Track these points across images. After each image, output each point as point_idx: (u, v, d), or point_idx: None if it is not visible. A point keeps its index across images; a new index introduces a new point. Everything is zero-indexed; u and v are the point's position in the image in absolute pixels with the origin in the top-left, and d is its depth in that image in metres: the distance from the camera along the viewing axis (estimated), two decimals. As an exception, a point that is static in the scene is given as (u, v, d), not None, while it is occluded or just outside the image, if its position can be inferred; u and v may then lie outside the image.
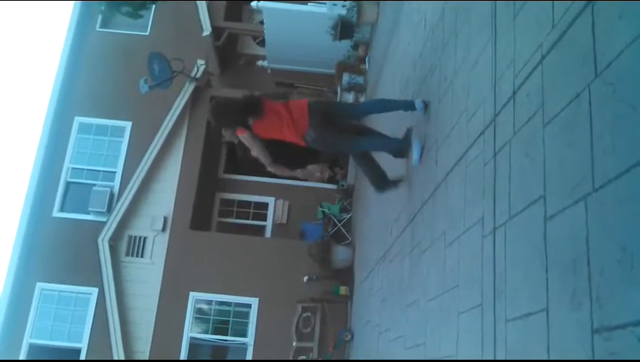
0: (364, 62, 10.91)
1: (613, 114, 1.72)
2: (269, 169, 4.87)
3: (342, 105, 5.21)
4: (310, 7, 10.91)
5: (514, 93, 2.59)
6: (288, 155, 4.83)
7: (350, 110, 5.09)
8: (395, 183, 5.15)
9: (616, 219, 1.65)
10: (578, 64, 1.97)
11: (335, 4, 10.49)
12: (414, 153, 4.28)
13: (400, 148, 4.72)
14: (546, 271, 2.06)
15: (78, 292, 11.00)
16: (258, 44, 12.96)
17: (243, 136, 4.58)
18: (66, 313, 10.99)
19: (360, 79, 10.86)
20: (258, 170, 11.58)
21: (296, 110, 4.51)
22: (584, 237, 1.81)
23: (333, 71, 11.40)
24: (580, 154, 1.88)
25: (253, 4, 10.83)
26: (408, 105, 4.47)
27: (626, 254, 1.57)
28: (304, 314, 10.10)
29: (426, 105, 4.29)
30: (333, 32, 10.40)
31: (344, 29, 10.33)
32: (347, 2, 10.34)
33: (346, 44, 10.84)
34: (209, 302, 10.84)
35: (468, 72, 3.43)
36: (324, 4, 10.60)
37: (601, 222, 1.74)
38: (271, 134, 4.61)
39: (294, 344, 10.01)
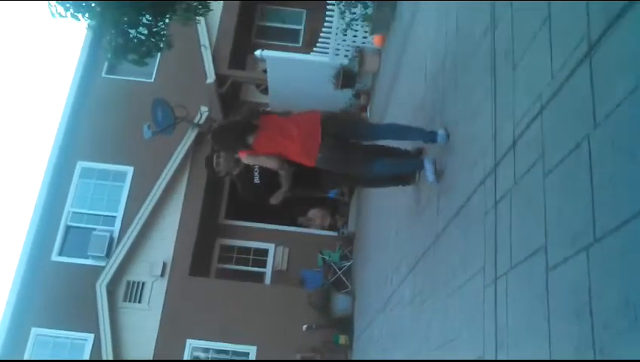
0: (366, 111, 11.02)
1: (613, 164, 1.73)
2: (281, 172, 4.50)
3: (358, 126, 4.84)
4: (313, 56, 11.09)
5: (514, 142, 2.60)
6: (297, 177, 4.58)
7: (366, 132, 4.69)
8: (412, 175, 4.83)
9: (618, 270, 1.64)
10: (577, 114, 1.99)
11: (337, 54, 10.67)
12: (428, 172, 4.08)
13: (413, 169, 4.55)
14: (548, 323, 2.03)
15: (73, 338, 10.83)
16: (261, 92, 13.11)
17: (247, 157, 4.35)
18: (61, 358, 10.78)
19: (361, 127, 10.92)
20: (260, 209, 11.62)
21: (305, 126, 4.18)
22: (586, 288, 1.79)
23: (335, 119, 11.48)
24: (581, 205, 1.88)
25: (257, 53, 11.02)
26: (429, 137, 4.14)
27: (629, 307, 1.55)
28: (302, 365, 9.90)
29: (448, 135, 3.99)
30: (335, 80, 10.54)
31: (346, 78, 10.48)
32: (349, 52, 10.53)
33: (347, 92, 10.98)
34: (206, 350, 10.66)
35: (468, 122, 3.46)
36: (327, 53, 10.78)
37: (603, 273, 1.72)
38: (273, 150, 4.29)
39: (293, 394, 9.79)
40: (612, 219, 1.69)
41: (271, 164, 4.37)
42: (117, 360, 10.17)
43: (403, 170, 4.69)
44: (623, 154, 1.68)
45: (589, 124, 1.89)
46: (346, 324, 9.78)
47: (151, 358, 10.38)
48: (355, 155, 4.38)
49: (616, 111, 1.75)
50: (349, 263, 11.17)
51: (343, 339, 9.78)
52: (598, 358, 1.68)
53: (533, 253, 2.23)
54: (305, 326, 10.11)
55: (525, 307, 2.26)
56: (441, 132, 3.98)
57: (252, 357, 10.41)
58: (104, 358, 10.18)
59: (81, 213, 11.73)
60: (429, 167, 4.07)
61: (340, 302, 9.89)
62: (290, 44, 13.62)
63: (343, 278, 11.02)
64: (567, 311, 1.90)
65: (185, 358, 10.42)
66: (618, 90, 1.74)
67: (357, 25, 10.33)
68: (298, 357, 9.91)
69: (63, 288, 10.89)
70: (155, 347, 10.46)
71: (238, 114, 4.48)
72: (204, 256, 11.66)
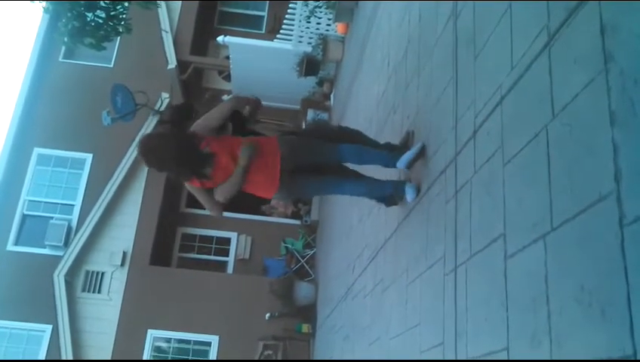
0: (329, 99, 11.01)
1: (570, 154, 1.75)
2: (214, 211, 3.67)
3: (315, 148, 3.71)
4: (276, 43, 11.01)
5: (474, 132, 2.62)
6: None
7: (326, 154, 3.73)
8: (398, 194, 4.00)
9: (574, 258, 1.67)
10: (536, 105, 2.01)
11: (301, 42, 10.62)
12: (408, 196, 3.55)
13: (394, 190, 3.74)
14: (507, 310, 2.06)
15: (30, 329, 10.58)
16: (224, 78, 12.97)
17: (192, 188, 3.54)
18: (17, 351, 10.54)
19: (325, 115, 10.94)
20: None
21: (262, 158, 3.43)
22: (543, 276, 1.82)
23: (298, 107, 11.46)
24: (539, 194, 1.91)
25: (220, 39, 10.88)
26: (389, 161, 3.63)
27: (583, 293, 1.58)
28: (265, 352, 9.91)
29: (423, 149, 3.49)
30: (298, 68, 10.50)
31: (309, 65, 10.44)
32: (313, 40, 10.48)
33: (311, 80, 10.95)
34: (168, 340, 10.56)
35: (430, 111, 3.48)
36: (290, 40, 10.72)
37: (559, 261, 1.75)
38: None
39: (255, 383, 9.79)
40: (569, 208, 1.71)
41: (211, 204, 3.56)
42: (111, 360, 10.06)
43: (379, 192, 3.97)
44: (580, 145, 1.70)
45: (547, 115, 1.92)
46: (308, 312, 9.81)
47: (111, 350, 10.23)
48: (316, 176, 3.72)
49: (573, 102, 1.77)
50: (312, 251, 11.20)
51: (305, 328, 9.81)
52: (553, 345, 1.71)
53: (492, 242, 2.26)
54: (267, 315, 10.12)
55: (484, 295, 2.29)
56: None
57: (214, 346, 10.36)
58: (63, 349, 9.99)
59: (37, 201, 11.42)
60: (410, 193, 3.53)
61: (302, 291, 9.91)
62: (253, 31, 13.48)
63: (306, 266, 11.06)
64: (525, 299, 1.93)
65: (146, 348, 10.29)
66: (575, 82, 1.76)
67: (320, 12, 10.29)
68: (260, 346, 9.91)
69: (19, 278, 10.62)
70: (116, 338, 10.30)
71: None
72: (165, 244, 11.52)
